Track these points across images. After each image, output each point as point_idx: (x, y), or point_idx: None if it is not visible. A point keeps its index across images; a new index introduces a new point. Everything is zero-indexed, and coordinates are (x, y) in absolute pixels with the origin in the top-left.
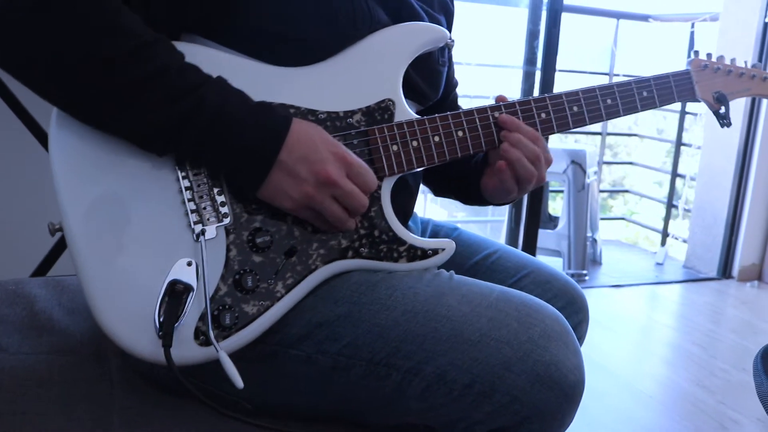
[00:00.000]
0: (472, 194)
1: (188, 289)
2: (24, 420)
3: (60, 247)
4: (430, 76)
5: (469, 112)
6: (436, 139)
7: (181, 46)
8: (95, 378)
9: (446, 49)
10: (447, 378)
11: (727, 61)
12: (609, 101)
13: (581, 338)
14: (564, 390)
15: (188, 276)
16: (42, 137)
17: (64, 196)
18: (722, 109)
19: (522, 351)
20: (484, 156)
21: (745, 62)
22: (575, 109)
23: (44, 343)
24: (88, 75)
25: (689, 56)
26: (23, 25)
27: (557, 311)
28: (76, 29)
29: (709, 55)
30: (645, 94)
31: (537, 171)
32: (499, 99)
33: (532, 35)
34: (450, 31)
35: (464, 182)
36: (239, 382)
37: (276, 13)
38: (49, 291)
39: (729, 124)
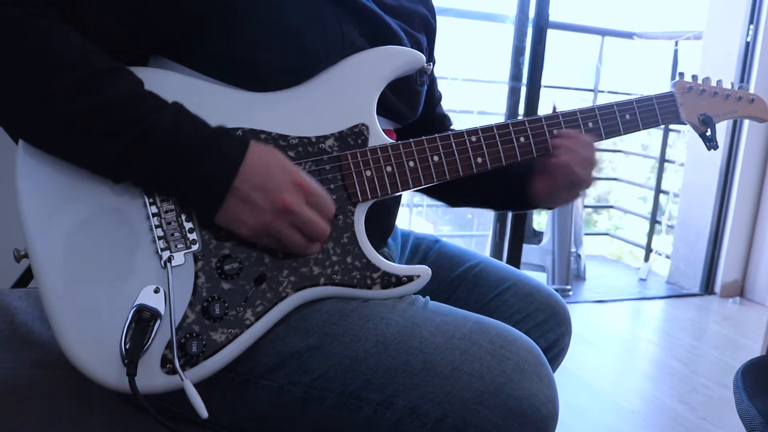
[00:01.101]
0: (516, 199)
1: (155, 316)
2: None
3: None
4: (407, 97)
5: (446, 137)
6: (411, 164)
7: (148, 72)
8: (75, 394)
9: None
10: (419, 411)
11: (713, 83)
12: (590, 125)
13: (563, 350)
14: (536, 424)
15: (155, 303)
16: None
17: (29, 222)
18: (708, 132)
19: (494, 385)
20: (530, 164)
21: (732, 84)
22: (555, 133)
23: (25, 357)
24: (40, 106)
25: (673, 75)
26: None
27: (533, 342)
28: (27, 62)
29: (694, 77)
30: (628, 117)
31: (588, 175)
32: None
33: (518, 51)
34: (432, 48)
35: (507, 189)
36: (203, 412)
37: (241, 36)
38: (30, 303)
39: (716, 147)
